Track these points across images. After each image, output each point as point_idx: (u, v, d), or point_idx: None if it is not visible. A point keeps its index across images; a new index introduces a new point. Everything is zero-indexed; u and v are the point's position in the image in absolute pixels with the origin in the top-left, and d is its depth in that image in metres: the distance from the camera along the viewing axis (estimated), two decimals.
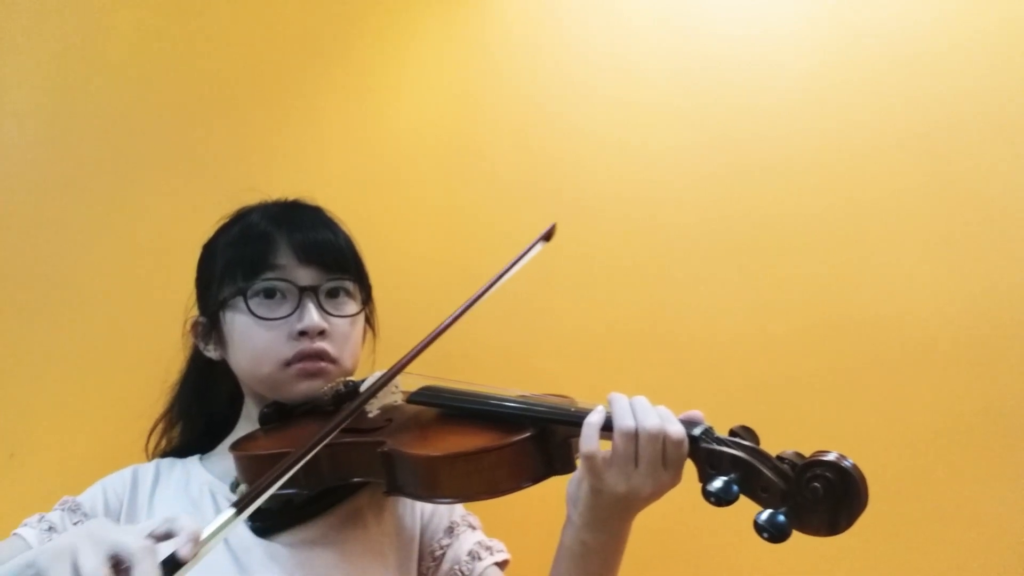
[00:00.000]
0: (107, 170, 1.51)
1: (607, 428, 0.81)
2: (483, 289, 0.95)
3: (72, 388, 1.44)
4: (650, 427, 0.78)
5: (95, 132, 1.52)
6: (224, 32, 1.56)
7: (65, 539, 0.62)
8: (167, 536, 0.64)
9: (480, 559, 0.99)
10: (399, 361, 0.89)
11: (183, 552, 0.62)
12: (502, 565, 1.01)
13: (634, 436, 0.79)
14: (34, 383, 1.44)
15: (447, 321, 0.92)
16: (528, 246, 1.01)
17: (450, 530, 1.02)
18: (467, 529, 1.03)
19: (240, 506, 0.69)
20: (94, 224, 1.49)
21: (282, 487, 0.88)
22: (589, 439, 0.81)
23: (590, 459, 0.81)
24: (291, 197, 1.11)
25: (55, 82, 1.53)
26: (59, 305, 1.46)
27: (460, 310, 0.93)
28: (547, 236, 1.04)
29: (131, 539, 0.61)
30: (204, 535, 0.65)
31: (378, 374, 0.94)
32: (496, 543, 1.03)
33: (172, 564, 0.61)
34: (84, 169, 1.51)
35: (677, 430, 0.79)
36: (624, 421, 0.80)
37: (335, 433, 0.81)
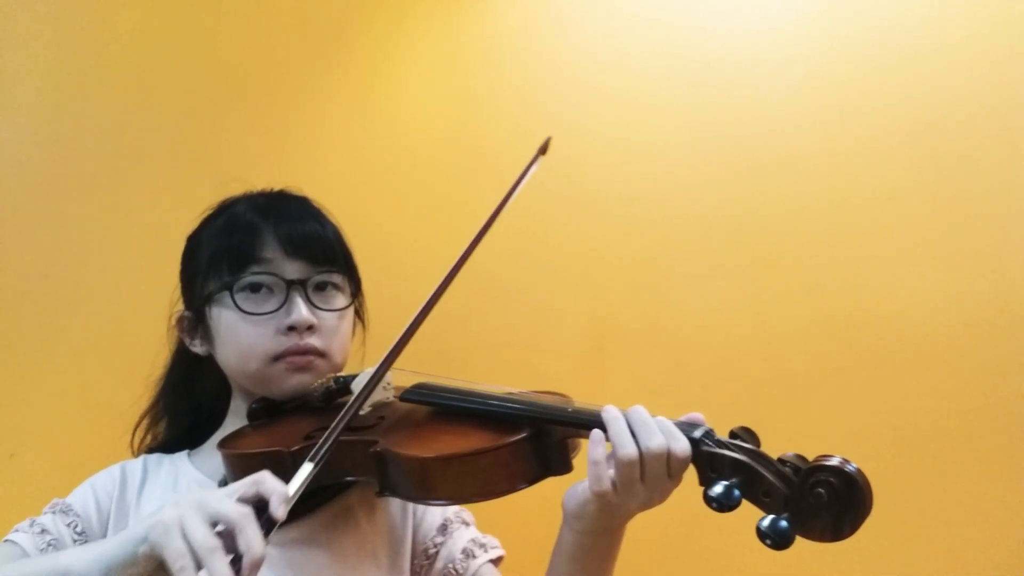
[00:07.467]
0: (104, 169, 1.49)
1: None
2: (490, 216, 0.96)
3: (72, 388, 1.42)
4: (654, 447, 0.75)
5: (92, 131, 1.50)
6: (224, 30, 1.54)
7: (170, 512, 0.66)
8: (256, 496, 0.69)
9: (474, 557, 0.98)
10: (417, 313, 0.89)
11: (278, 513, 0.68)
12: (496, 562, 1.00)
13: (638, 462, 0.75)
14: (34, 383, 1.42)
15: (463, 253, 0.93)
16: (527, 165, 1.03)
17: (443, 528, 1.00)
18: (461, 526, 1.01)
19: (316, 460, 0.76)
20: (93, 224, 1.47)
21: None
22: (600, 479, 0.77)
23: (603, 496, 0.78)
24: (277, 188, 1.08)
25: (54, 81, 1.51)
26: (59, 304, 1.44)
27: (472, 241, 0.94)
28: (543, 149, 1.06)
29: (230, 507, 0.67)
30: (290, 492, 0.71)
31: (370, 371, 0.92)
32: (490, 540, 1.01)
33: (269, 524, 0.68)
34: (81, 168, 1.49)
35: (683, 447, 0.75)
36: (626, 450, 0.75)
37: (357, 406, 0.84)
